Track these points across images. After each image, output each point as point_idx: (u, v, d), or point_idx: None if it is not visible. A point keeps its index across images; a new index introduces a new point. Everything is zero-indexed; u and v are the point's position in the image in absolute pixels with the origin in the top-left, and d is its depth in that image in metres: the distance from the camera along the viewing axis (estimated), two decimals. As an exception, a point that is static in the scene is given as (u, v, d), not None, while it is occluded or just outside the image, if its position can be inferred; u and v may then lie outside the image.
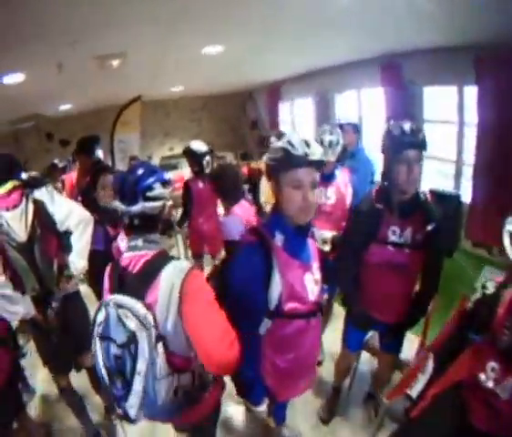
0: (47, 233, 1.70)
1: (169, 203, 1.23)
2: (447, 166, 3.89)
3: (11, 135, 5.55)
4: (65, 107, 5.20)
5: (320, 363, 2.55)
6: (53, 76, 2.97)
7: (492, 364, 1.15)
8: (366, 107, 4.70)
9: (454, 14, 2.37)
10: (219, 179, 2.22)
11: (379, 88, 4.20)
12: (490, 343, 1.17)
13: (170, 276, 1.07)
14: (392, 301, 1.72)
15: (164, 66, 3.69)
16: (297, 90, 5.67)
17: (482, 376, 1.16)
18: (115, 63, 2.99)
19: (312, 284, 1.24)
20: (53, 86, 3.43)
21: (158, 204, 1.17)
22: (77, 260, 1.85)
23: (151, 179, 1.16)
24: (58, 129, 6.06)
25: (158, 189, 1.17)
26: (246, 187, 6.01)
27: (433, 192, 2.06)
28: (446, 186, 3.68)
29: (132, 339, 1.02)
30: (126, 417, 1.09)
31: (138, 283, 1.10)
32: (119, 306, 1.05)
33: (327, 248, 2.16)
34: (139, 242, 1.16)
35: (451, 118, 3.66)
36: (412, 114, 3.87)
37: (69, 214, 1.84)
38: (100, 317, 1.09)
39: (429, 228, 1.59)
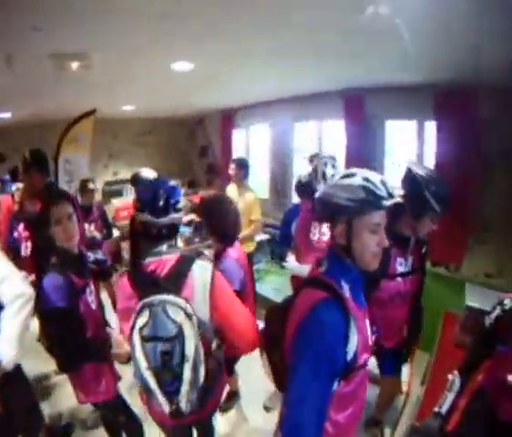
0: None
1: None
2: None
3: None
4: (2, 116, 4.39)
5: None
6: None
7: None
8: (326, 139, 4.88)
9: (416, 54, 2.53)
10: (215, 215, 1.88)
11: (339, 121, 4.39)
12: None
13: (201, 273, 1.28)
14: (398, 326, 1.92)
15: (124, 79, 3.28)
16: (253, 117, 5.66)
17: (510, 377, 1.36)
18: (74, 65, 2.48)
19: (369, 328, 1.16)
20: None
21: (181, 214, 1.38)
22: (5, 349, 1.39)
23: (178, 193, 1.36)
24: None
25: (182, 202, 1.38)
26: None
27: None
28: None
29: (180, 330, 1.16)
30: (178, 413, 1.23)
31: (172, 282, 1.25)
32: (166, 303, 1.17)
33: None
34: (164, 248, 1.33)
35: (411, 151, 3.97)
36: (373, 147, 4.12)
37: (3, 281, 1.41)
38: (142, 320, 1.17)
39: (423, 250, 1.89)
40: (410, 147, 4.02)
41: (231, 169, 3.44)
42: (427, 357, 2.77)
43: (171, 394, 1.20)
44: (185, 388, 1.20)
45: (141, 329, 1.18)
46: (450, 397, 1.49)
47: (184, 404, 1.21)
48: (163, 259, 1.30)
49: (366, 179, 0.99)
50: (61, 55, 2.33)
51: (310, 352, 0.95)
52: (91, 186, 3.52)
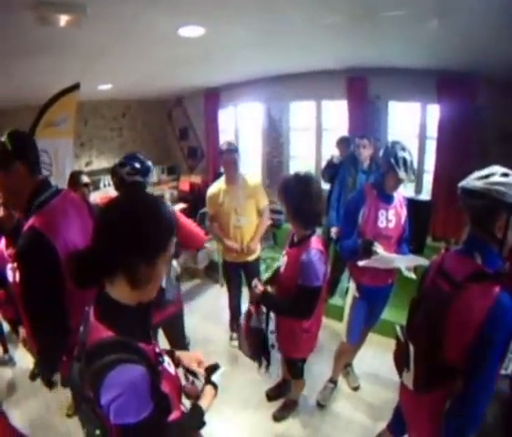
0: None
1: None
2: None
3: None
4: None
5: (357, 388, 2.78)
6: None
7: None
8: (326, 119, 4.97)
9: (421, 41, 2.81)
10: (300, 197, 1.82)
11: (342, 101, 4.48)
12: None
13: None
14: None
15: (113, 46, 2.75)
16: (243, 96, 5.53)
17: None
18: (64, 19, 1.95)
19: None
20: None
21: None
22: None
23: None
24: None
25: None
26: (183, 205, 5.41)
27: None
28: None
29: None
30: None
31: None
32: None
33: (413, 275, 2.15)
34: None
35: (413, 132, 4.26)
36: (377, 127, 4.32)
37: None
38: None
39: None
40: (412, 128, 4.28)
41: (226, 157, 2.84)
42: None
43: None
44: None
45: None
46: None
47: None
48: None
49: None
50: (48, 4, 1.83)
51: (498, 338, 1.12)
52: (85, 179, 3.00)
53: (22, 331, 2.00)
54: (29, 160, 1.45)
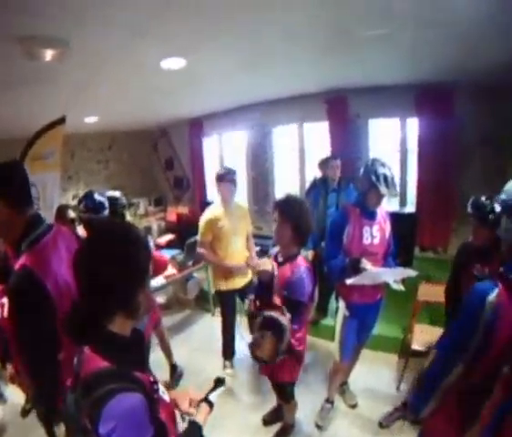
0: None
1: None
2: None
3: None
4: None
5: (354, 406, 2.75)
6: None
7: None
8: (308, 141, 5.12)
9: (399, 58, 2.95)
10: (303, 217, 1.92)
11: (324, 122, 4.64)
12: None
13: None
14: None
15: (97, 78, 2.84)
16: (226, 124, 5.67)
17: None
18: (49, 54, 2.05)
19: None
20: None
21: None
22: None
23: None
24: None
25: None
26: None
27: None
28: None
29: None
30: None
31: None
32: None
33: (402, 287, 2.20)
34: None
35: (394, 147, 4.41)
36: (358, 145, 4.48)
37: None
38: None
39: None
40: (393, 143, 4.44)
41: (226, 183, 2.88)
42: None
43: None
44: None
45: None
46: None
47: None
48: None
49: None
50: (34, 38, 1.90)
51: None
52: (71, 214, 2.98)
53: (9, 368, 1.94)
54: (10, 195, 1.35)
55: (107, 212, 2.48)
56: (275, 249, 2.10)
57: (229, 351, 3.25)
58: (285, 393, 2.27)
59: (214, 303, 4.32)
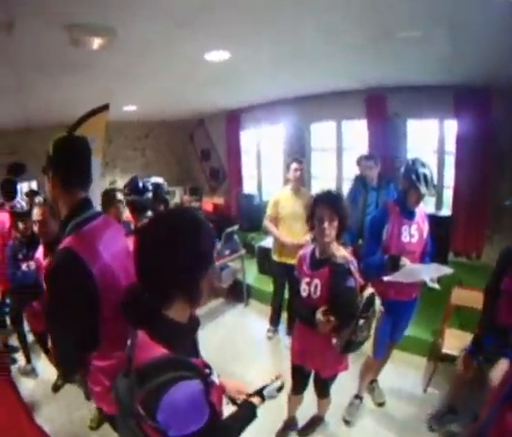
0: None
1: None
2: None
3: None
4: None
5: (382, 404, 2.76)
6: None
7: None
8: (346, 139, 5.08)
9: (439, 58, 2.89)
10: (348, 209, 1.95)
11: (361, 121, 4.60)
12: None
13: None
14: None
15: (144, 70, 2.99)
16: (265, 117, 5.71)
17: None
18: (97, 42, 2.10)
19: None
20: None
21: None
22: None
23: None
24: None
25: None
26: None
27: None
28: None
29: None
30: None
31: None
32: None
33: (438, 286, 2.16)
34: None
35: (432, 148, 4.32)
36: (396, 145, 4.41)
37: None
38: None
39: None
40: (430, 144, 4.34)
41: (296, 170, 3.31)
42: None
43: None
44: None
45: None
46: None
47: None
48: None
49: None
50: (80, 26, 1.94)
51: None
52: (119, 196, 2.92)
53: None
54: (63, 173, 1.34)
55: (150, 195, 2.72)
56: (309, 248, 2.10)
57: (274, 318, 3.75)
58: (328, 387, 2.30)
59: (248, 294, 4.47)
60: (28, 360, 3.24)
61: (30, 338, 3.22)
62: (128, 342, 0.97)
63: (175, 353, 0.88)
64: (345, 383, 2.77)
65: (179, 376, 0.83)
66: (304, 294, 2.00)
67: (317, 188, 4.99)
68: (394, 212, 2.27)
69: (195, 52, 2.62)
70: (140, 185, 2.69)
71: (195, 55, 2.70)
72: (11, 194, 3.73)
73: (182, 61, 2.86)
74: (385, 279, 2.13)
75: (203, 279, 0.91)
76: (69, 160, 1.37)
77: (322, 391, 2.34)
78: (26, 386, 3.06)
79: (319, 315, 1.84)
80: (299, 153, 5.30)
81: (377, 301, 2.03)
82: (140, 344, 0.91)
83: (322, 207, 1.90)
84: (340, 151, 5.09)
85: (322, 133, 5.34)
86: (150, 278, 0.89)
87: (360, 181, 3.62)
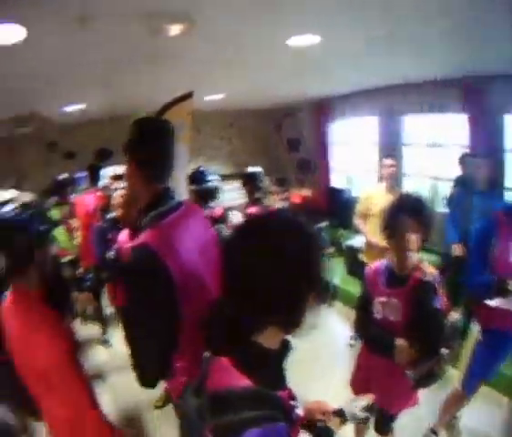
0: None
1: None
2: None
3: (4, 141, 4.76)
4: (74, 108, 4.15)
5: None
6: (67, 35, 1.86)
7: None
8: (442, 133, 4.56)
9: None
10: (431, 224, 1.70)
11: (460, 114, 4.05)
12: None
13: None
14: None
15: (222, 55, 2.84)
16: (355, 108, 5.39)
17: None
18: (174, 29, 2.00)
19: None
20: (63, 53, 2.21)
21: None
22: None
23: None
24: (63, 138, 5.28)
25: None
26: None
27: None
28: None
29: None
30: None
31: None
32: None
33: None
34: None
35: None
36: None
37: None
38: None
39: None
40: None
41: (389, 166, 3.25)
42: None
43: None
44: None
45: None
46: None
47: None
48: None
49: None
50: (157, 14, 1.86)
51: None
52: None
53: None
54: (142, 159, 1.24)
55: (212, 184, 2.81)
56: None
57: None
58: (392, 423, 2.02)
59: (333, 295, 4.32)
60: (104, 331, 3.54)
61: (110, 310, 3.46)
62: (204, 358, 0.85)
63: (260, 384, 0.73)
64: (420, 414, 2.41)
65: (263, 417, 0.69)
66: (378, 316, 1.75)
67: (409, 187, 4.67)
68: (503, 224, 1.95)
69: (280, 37, 2.44)
70: (200, 174, 2.82)
71: (280, 41, 2.51)
72: (95, 178, 3.99)
73: (266, 48, 2.71)
74: (491, 303, 1.91)
75: (306, 303, 0.75)
76: (153, 148, 1.25)
77: (386, 427, 2.02)
78: (99, 355, 3.30)
79: (401, 341, 1.60)
80: (390, 148, 4.91)
81: (475, 328, 1.86)
82: (219, 365, 0.77)
83: (407, 215, 1.65)
84: (436, 147, 4.57)
85: (416, 126, 4.84)
86: (243, 301, 0.73)
87: (461, 182, 3.32)
